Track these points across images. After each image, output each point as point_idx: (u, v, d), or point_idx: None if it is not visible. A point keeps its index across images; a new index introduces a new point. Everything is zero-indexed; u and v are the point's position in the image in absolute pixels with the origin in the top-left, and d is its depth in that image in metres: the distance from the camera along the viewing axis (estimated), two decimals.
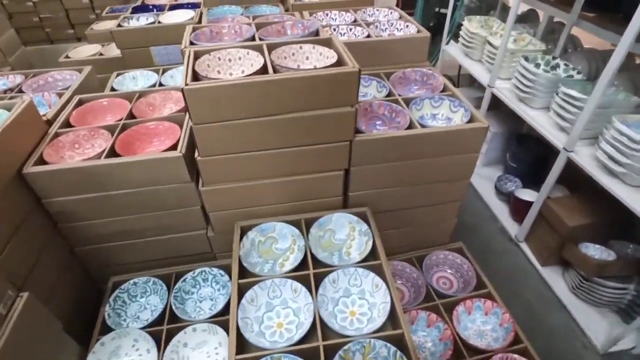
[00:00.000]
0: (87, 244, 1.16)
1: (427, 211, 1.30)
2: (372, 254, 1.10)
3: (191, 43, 1.10)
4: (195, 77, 0.94)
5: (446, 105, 1.24)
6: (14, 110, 1.00)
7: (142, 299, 1.22)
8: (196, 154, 1.01)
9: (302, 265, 1.07)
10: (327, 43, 1.07)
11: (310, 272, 1.02)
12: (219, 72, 1.03)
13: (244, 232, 1.13)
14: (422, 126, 1.13)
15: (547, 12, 1.89)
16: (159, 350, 1.05)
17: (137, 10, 1.91)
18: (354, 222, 1.17)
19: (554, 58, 1.73)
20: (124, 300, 1.20)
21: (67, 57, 1.92)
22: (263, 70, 0.96)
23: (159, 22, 1.74)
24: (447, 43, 2.70)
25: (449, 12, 2.71)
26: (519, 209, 1.85)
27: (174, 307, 1.14)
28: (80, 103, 1.24)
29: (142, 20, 1.78)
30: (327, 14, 1.55)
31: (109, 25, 2.21)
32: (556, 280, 1.58)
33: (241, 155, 1.01)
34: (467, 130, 1.10)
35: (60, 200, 1.04)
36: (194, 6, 1.92)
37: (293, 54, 1.06)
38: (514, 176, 2.09)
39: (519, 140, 2.08)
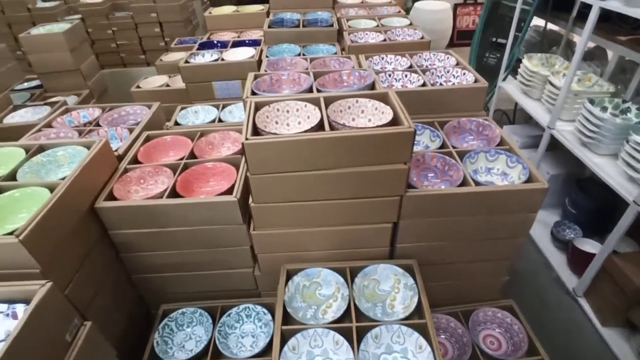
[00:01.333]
0: (143, 273, 1.24)
1: (477, 267, 1.25)
2: (417, 310, 1.07)
3: (252, 92, 1.16)
4: (255, 128, 0.99)
5: (502, 160, 1.20)
6: (92, 149, 1.10)
7: (189, 329, 1.27)
8: (250, 200, 1.05)
9: (345, 315, 1.06)
10: (384, 98, 1.08)
11: (353, 325, 1.01)
12: (276, 122, 1.07)
13: (289, 275, 1.16)
14: (476, 182, 1.10)
15: (618, 51, 1.78)
16: None
17: (203, 46, 2.05)
18: (400, 275, 1.15)
19: (624, 101, 1.61)
20: (172, 329, 1.26)
21: (138, 87, 2.09)
22: (320, 125, 0.99)
23: (222, 59, 1.85)
24: (504, 79, 2.62)
25: (507, 45, 2.65)
26: (578, 260, 1.73)
27: (217, 342, 1.18)
28: (147, 139, 1.34)
29: (207, 57, 1.91)
30: (382, 58, 1.57)
31: (176, 56, 2.39)
32: (619, 343, 1.44)
33: (293, 204, 1.04)
34: (525, 191, 1.06)
35: (124, 232, 1.12)
36: (254, 43, 2.03)
37: (349, 107, 1.09)
38: (573, 223, 1.96)
39: (580, 185, 1.96)
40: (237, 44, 2.04)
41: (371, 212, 1.08)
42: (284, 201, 1.04)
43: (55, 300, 0.84)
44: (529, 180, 1.10)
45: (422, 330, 1.01)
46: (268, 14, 2.31)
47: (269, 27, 1.99)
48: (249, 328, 1.27)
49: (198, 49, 2.00)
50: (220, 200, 1.05)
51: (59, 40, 2.55)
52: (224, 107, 1.68)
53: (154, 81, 2.14)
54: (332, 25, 1.98)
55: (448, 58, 1.58)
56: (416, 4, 3.90)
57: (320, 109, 1.04)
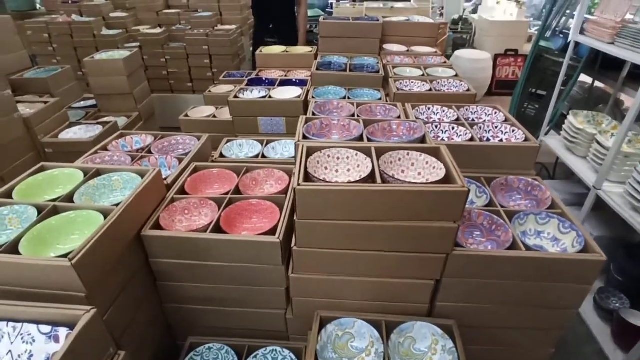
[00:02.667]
0: (176, 303, 1.24)
1: (521, 335, 1.18)
2: None
3: (303, 136, 1.19)
4: (306, 174, 1.00)
5: (554, 224, 1.15)
6: (146, 177, 1.14)
7: None
8: (293, 243, 1.05)
9: None
10: (435, 153, 1.08)
11: None
12: (326, 167, 1.08)
13: (322, 322, 1.12)
14: (526, 246, 1.05)
15: None
16: None
17: (251, 82, 2.14)
18: (438, 336, 1.09)
19: None
20: None
21: (186, 115, 2.18)
22: (370, 175, 0.99)
23: (270, 97, 1.92)
24: (546, 133, 2.58)
25: (552, 100, 2.62)
26: (624, 333, 1.60)
27: None
28: (195, 170, 1.38)
29: (255, 93, 1.98)
30: (429, 108, 1.58)
31: (224, 89, 2.50)
32: None
33: (336, 252, 1.03)
34: (580, 262, 1.00)
35: (165, 261, 1.13)
36: (301, 83, 2.09)
37: (399, 159, 1.09)
38: (619, 292, 1.83)
39: (628, 250, 1.84)
40: (285, 82, 2.12)
41: (414, 267, 1.05)
42: (327, 248, 1.03)
43: (97, 328, 0.85)
44: (584, 249, 1.05)
45: None
46: (316, 56, 2.40)
47: (317, 69, 2.07)
48: None
49: (247, 84, 2.09)
50: (262, 240, 1.05)
51: (118, 67, 2.73)
52: (267, 143, 1.72)
53: (202, 111, 2.23)
54: (378, 72, 2.03)
55: (496, 113, 1.57)
56: (457, 52, 3.96)
57: (371, 159, 1.04)
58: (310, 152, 1.08)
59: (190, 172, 1.35)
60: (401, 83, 1.88)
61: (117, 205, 1.03)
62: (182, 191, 1.28)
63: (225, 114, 2.15)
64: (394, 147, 1.09)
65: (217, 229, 1.12)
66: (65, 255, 0.87)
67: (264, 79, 2.18)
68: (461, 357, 1.03)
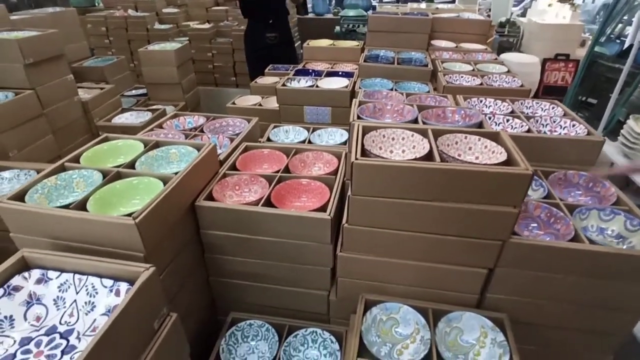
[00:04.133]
0: (221, 276, 1.26)
1: (577, 337, 1.11)
2: None
3: (358, 117, 1.19)
4: (363, 151, 0.99)
5: (620, 221, 1.08)
6: (202, 151, 1.18)
7: (253, 342, 1.25)
8: (344, 221, 1.04)
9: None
10: (495, 138, 1.04)
11: None
12: (380, 148, 1.07)
13: (367, 306, 1.11)
14: (590, 240, 0.99)
15: None
16: None
17: (299, 72, 2.16)
18: (488, 328, 1.05)
19: None
20: (237, 339, 1.25)
21: (233, 103, 2.24)
22: (428, 155, 0.97)
23: (317, 86, 1.93)
24: None
25: (609, 105, 2.48)
26: None
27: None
28: (245, 149, 1.40)
29: (302, 83, 2.00)
30: (481, 101, 1.54)
31: (269, 80, 2.55)
32: None
33: (386, 231, 1.01)
34: None
35: (215, 233, 1.16)
36: (347, 75, 2.10)
37: (456, 143, 1.06)
38: None
39: None
40: (331, 74, 2.13)
41: (468, 253, 1.01)
42: (378, 227, 1.01)
43: (154, 286, 0.88)
44: None
45: None
46: (363, 50, 2.40)
47: (364, 61, 2.06)
48: (312, 354, 1.22)
49: (294, 74, 2.12)
50: (313, 216, 1.05)
51: (169, 57, 2.85)
52: (314, 130, 1.73)
53: (248, 100, 2.28)
54: (426, 65, 2.00)
55: (553, 108, 1.50)
56: (503, 55, 3.84)
57: (428, 139, 1.02)
58: (365, 131, 1.07)
59: (240, 152, 1.38)
60: (450, 77, 1.85)
61: (175, 174, 1.07)
62: (233, 168, 1.30)
63: (270, 103, 2.19)
64: (450, 130, 1.07)
65: (268, 204, 1.14)
66: (129, 215, 0.91)
67: (310, 70, 2.20)
68: (514, 351, 0.99)
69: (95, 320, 0.86)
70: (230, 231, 1.14)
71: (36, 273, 0.91)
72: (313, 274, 1.17)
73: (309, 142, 1.66)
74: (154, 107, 2.83)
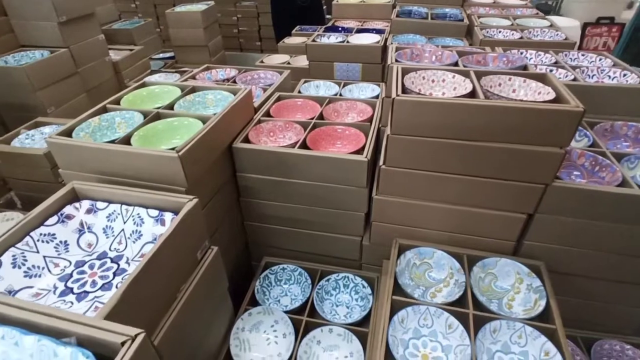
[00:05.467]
0: (255, 220, 1.29)
1: (618, 290, 1.09)
2: (542, 316, 0.96)
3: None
4: (404, 89, 0.97)
5: None
6: (238, 95, 1.18)
7: (286, 285, 1.29)
8: (380, 162, 1.04)
9: (457, 302, 0.99)
10: (541, 78, 1.00)
11: (470, 313, 0.94)
12: (419, 90, 1.05)
13: (401, 250, 1.12)
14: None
15: None
16: (295, 339, 1.09)
17: (328, 29, 2.12)
18: (524, 274, 1.04)
19: None
20: (271, 281, 1.29)
21: (261, 62, 2.23)
22: (471, 95, 0.94)
23: (347, 42, 1.89)
24: None
25: None
26: None
27: (315, 303, 1.18)
28: (278, 99, 1.40)
29: (332, 39, 1.96)
30: (521, 53, 1.47)
31: (297, 40, 2.51)
32: None
33: (424, 173, 1.00)
34: None
35: (249, 176, 1.18)
36: (378, 32, 2.04)
37: (499, 85, 1.03)
38: None
39: None
40: (361, 31, 2.07)
41: (507, 197, 0.99)
42: (416, 168, 1.00)
43: (197, 217, 0.90)
44: None
45: (550, 336, 0.90)
46: (394, 6, 2.32)
47: (397, 16, 1.99)
48: (344, 298, 1.25)
49: (324, 31, 2.07)
50: (350, 158, 1.05)
51: (196, 18, 2.83)
52: (345, 85, 1.71)
53: (276, 59, 2.26)
54: (462, 20, 1.92)
55: (601, 60, 1.42)
56: None
57: (471, 80, 0.99)
58: (405, 72, 1.05)
59: (274, 101, 1.38)
60: (487, 31, 1.77)
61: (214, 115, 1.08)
62: (267, 115, 1.31)
63: (299, 62, 2.16)
64: (494, 72, 1.03)
65: (303, 149, 1.14)
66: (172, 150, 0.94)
67: (339, 27, 2.15)
68: (550, 295, 0.98)
69: (142, 247, 0.90)
70: (266, 174, 1.15)
71: (86, 204, 0.95)
72: (347, 218, 1.18)
73: (340, 95, 1.63)
74: (182, 69, 2.85)
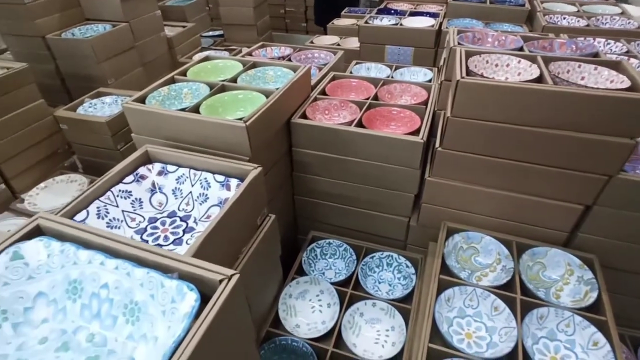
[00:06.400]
0: (305, 195, 1.34)
1: None
2: (589, 309, 0.95)
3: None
4: (468, 72, 0.97)
5: None
6: (298, 72, 1.22)
7: (331, 260, 1.34)
8: (437, 144, 1.05)
9: (503, 287, 1.00)
10: (615, 66, 0.97)
11: (518, 297, 0.95)
12: (482, 74, 1.04)
13: (448, 233, 1.13)
14: None
15: None
16: (340, 310, 1.14)
17: (381, 11, 2.10)
18: (575, 266, 1.04)
19: None
20: (316, 254, 1.34)
21: (311, 42, 2.24)
22: (537, 81, 0.93)
23: (401, 25, 1.87)
24: None
25: None
26: None
27: (360, 278, 1.22)
28: (333, 78, 1.43)
29: (385, 21, 1.95)
30: (588, 40, 1.41)
31: (346, 22, 2.50)
32: None
33: (481, 157, 1.01)
34: None
35: (304, 151, 1.22)
36: (432, 15, 2.00)
37: (568, 72, 1.00)
38: None
39: None
40: (415, 13, 2.04)
41: (565, 186, 0.98)
42: (473, 152, 1.01)
43: (260, 185, 0.96)
44: None
45: (600, 327, 0.90)
46: None
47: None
48: (387, 276, 1.28)
49: (376, 13, 2.06)
50: (406, 138, 1.07)
51: None
52: (396, 68, 1.70)
53: (326, 40, 2.27)
54: (523, 5, 1.85)
55: None
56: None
57: (538, 65, 0.98)
58: (468, 55, 1.04)
59: (329, 80, 1.41)
60: (551, 17, 1.70)
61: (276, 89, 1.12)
62: (323, 93, 1.34)
63: (349, 44, 2.16)
64: (563, 58, 1.00)
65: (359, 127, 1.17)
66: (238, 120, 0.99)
67: (392, 10, 2.13)
68: (602, 288, 0.97)
69: (208, 209, 0.96)
70: (321, 150, 1.19)
71: (157, 166, 1.03)
72: (396, 199, 1.20)
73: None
74: (230, 47, 2.92)
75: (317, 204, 1.33)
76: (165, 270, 0.52)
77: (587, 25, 1.60)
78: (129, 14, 2.22)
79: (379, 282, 1.27)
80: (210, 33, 3.28)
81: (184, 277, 0.51)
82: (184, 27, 2.79)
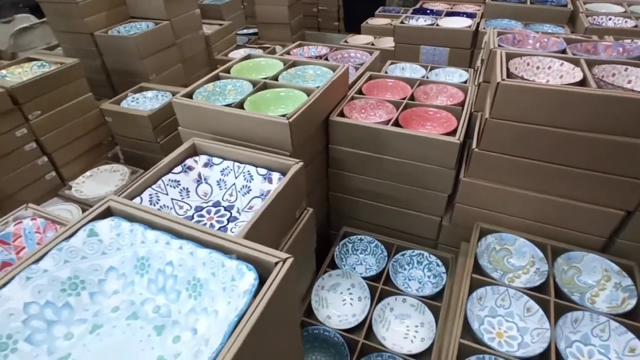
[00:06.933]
0: (339, 191, 1.38)
1: None
2: (626, 316, 0.95)
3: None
4: (509, 74, 0.98)
5: None
6: (337, 71, 1.25)
7: (361, 255, 1.37)
8: (473, 145, 1.06)
9: (537, 289, 1.01)
10: None
11: (552, 300, 0.95)
12: (522, 77, 1.04)
13: (481, 234, 1.14)
14: None
15: None
16: (371, 304, 1.17)
17: (416, 11, 2.10)
18: (612, 272, 1.03)
19: None
20: (348, 250, 1.38)
21: (345, 42, 2.28)
22: (580, 84, 0.93)
23: (437, 25, 1.88)
24: None
25: None
26: None
27: (390, 273, 1.25)
28: (370, 78, 1.46)
29: (421, 21, 1.95)
30: (636, 42, 1.37)
31: (380, 22, 2.52)
32: None
33: (519, 159, 1.01)
34: None
35: (341, 148, 1.26)
36: (470, 16, 1.99)
37: (613, 75, 0.99)
38: None
39: None
40: (451, 14, 2.04)
41: (606, 191, 0.98)
42: (511, 154, 1.01)
43: (300, 180, 1.00)
44: None
45: (638, 334, 0.89)
46: None
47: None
48: (417, 273, 1.30)
49: (411, 13, 2.07)
50: (443, 139, 1.09)
51: None
52: (431, 69, 1.71)
53: (360, 39, 2.30)
54: (565, 5, 1.81)
55: None
56: None
57: (582, 69, 0.97)
58: (509, 57, 1.05)
59: (366, 79, 1.44)
60: (594, 18, 1.66)
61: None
62: (359, 92, 1.37)
63: (383, 43, 2.18)
64: (608, 61, 0.99)
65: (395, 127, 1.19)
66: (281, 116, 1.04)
67: (427, 10, 2.13)
68: None
69: (250, 200, 1.02)
70: (357, 148, 1.22)
71: (203, 158, 1.09)
72: (430, 198, 1.22)
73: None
74: (264, 45, 2.99)
75: (351, 201, 1.37)
76: (224, 251, 0.57)
77: (636, 27, 1.56)
78: (171, 13, 2.32)
79: (409, 279, 1.29)
80: (245, 31, 3.36)
81: (240, 258, 0.56)
82: (220, 25, 2.87)
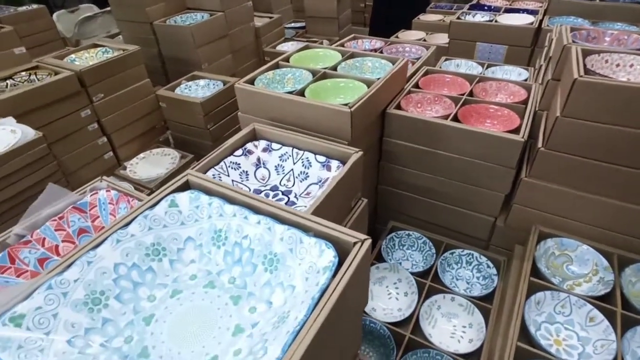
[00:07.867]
0: (390, 185, 1.37)
1: None
2: None
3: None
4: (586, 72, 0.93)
5: None
6: (397, 64, 1.24)
7: (408, 251, 1.36)
8: (539, 144, 1.02)
9: (600, 299, 0.96)
10: None
11: (618, 311, 0.91)
12: (600, 74, 0.99)
13: (540, 237, 1.10)
14: None
15: None
16: (418, 300, 1.16)
17: (473, 7, 2.05)
18: None
19: None
20: (394, 244, 1.37)
21: (396, 37, 2.25)
22: None
23: (496, 21, 1.82)
24: None
25: None
26: None
27: (439, 271, 1.23)
28: (426, 73, 1.43)
29: (478, 17, 1.90)
30: None
31: (432, 17, 2.47)
32: None
33: (590, 161, 0.97)
34: None
35: (395, 142, 1.24)
36: (531, 12, 1.91)
37: None
38: None
39: None
40: (510, 10, 1.97)
41: None
42: (581, 155, 0.97)
43: (358, 169, 1.00)
44: None
45: None
46: None
47: None
48: (465, 274, 1.28)
49: (468, 9, 2.01)
50: (506, 136, 1.05)
51: None
52: (488, 66, 1.66)
53: (412, 35, 2.26)
54: (639, 3, 1.70)
55: None
56: None
57: None
58: (585, 54, 1.00)
59: (422, 74, 1.41)
60: None
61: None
62: (416, 87, 1.35)
63: (435, 39, 2.14)
64: None
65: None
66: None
67: (485, 6, 2.06)
68: None
69: (308, 187, 1.03)
70: (412, 142, 1.21)
71: (263, 143, 1.11)
72: (485, 197, 1.19)
73: None
74: (311, 39, 3.01)
75: (400, 195, 1.36)
76: (302, 229, 0.58)
77: None
78: (225, 4, 2.38)
79: (457, 279, 1.26)
80: (293, 25, 3.39)
81: (318, 236, 0.57)
82: (270, 17, 2.92)
